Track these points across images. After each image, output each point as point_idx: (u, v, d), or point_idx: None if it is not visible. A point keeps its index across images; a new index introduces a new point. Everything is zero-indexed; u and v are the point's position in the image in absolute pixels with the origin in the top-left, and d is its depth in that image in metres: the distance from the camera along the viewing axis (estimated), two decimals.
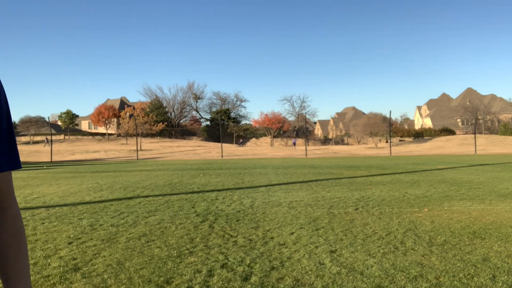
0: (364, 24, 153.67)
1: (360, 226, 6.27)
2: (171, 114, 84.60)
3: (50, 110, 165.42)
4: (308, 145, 59.10)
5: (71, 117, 76.28)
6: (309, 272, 4.13)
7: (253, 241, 5.45)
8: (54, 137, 62.80)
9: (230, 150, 50.54)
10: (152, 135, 68.90)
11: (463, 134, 74.64)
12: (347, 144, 75.16)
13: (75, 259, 4.71)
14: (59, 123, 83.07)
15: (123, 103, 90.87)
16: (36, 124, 72.89)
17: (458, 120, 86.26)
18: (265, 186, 12.21)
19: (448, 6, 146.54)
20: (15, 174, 19.63)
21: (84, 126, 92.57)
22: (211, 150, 50.95)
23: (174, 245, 5.25)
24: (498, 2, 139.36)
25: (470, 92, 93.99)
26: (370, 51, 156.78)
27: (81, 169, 23.16)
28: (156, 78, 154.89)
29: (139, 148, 47.68)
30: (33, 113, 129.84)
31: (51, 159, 40.13)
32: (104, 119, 70.55)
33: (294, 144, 60.04)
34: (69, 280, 3.98)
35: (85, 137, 73.68)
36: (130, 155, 45.63)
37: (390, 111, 50.22)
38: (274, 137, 73.30)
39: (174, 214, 7.51)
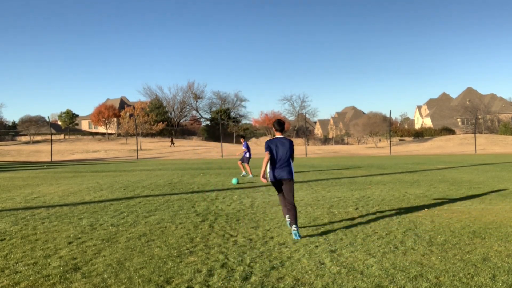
0: (364, 24, 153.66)
1: (360, 225, 6.27)
2: (171, 114, 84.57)
3: (50, 110, 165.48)
4: (308, 144, 59.08)
5: (71, 117, 76.25)
6: (309, 272, 4.13)
7: (253, 240, 5.45)
8: (54, 137, 62.72)
9: (230, 149, 50.53)
10: (152, 135, 68.85)
11: (463, 133, 74.63)
12: (347, 143, 75.18)
13: (75, 258, 4.71)
14: (59, 122, 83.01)
15: (123, 103, 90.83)
16: (36, 124, 72.86)
17: (458, 119, 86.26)
18: (265, 186, 12.20)
19: (448, 6, 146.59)
20: (15, 174, 19.63)
21: (84, 125, 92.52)
22: (211, 150, 50.97)
23: (174, 245, 5.25)
24: (498, 2, 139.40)
25: (470, 91, 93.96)
26: (370, 51, 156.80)
27: (81, 169, 23.16)
28: (156, 78, 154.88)
29: (139, 147, 47.67)
30: (33, 113, 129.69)
31: (51, 158, 40.16)
32: (104, 119, 70.47)
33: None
34: (69, 280, 3.99)
35: (85, 136, 73.61)
36: (130, 155, 45.64)
37: (390, 111, 50.29)
38: None
39: (174, 214, 7.51)
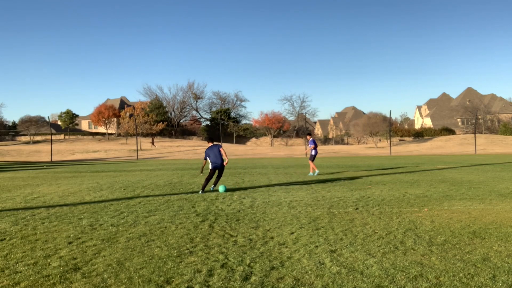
0: (364, 24, 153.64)
1: (360, 225, 6.27)
2: (171, 114, 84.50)
3: (50, 110, 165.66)
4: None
5: (71, 117, 76.19)
6: (309, 272, 4.13)
7: (253, 240, 5.45)
8: (54, 137, 62.70)
9: (230, 149, 50.51)
10: (152, 135, 68.87)
11: (463, 133, 74.63)
12: (347, 144, 75.17)
13: (75, 258, 4.71)
14: (59, 123, 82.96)
15: (123, 103, 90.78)
16: (36, 124, 72.85)
17: (458, 119, 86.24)
18: (265, 186, 12.21)
19: (448, 6, 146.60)
20: (15, 174, 19.63)
21: (84, 126, 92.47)
22: None
23: (174, 245, 5.25)
24: (498, 2, 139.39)
25: (470, 91, 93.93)
26: (370, 51, 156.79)
27: (81, 169, 23.16)
28: (156, 78, 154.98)
29: (139, 147, 47.67)
30: (33, 113, 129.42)
31: (51, 158, 40.15)
32: (104, 119, 70.45)
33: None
34: (69, 280, 3.99)
35: (85, 136, 73.59)
36: (130, 155, 45.65)
37: (390, 111, 50.28)
38: (274, 136, 73.33)
39: (174, 214, 7.51)
